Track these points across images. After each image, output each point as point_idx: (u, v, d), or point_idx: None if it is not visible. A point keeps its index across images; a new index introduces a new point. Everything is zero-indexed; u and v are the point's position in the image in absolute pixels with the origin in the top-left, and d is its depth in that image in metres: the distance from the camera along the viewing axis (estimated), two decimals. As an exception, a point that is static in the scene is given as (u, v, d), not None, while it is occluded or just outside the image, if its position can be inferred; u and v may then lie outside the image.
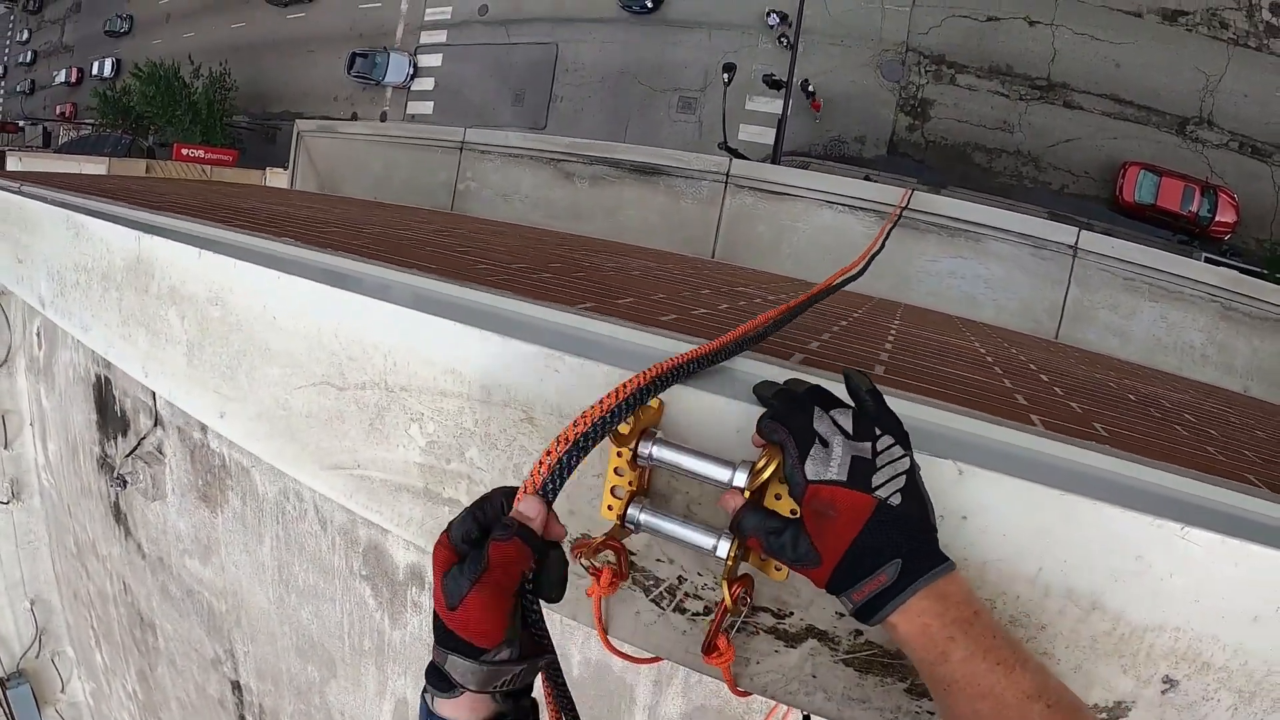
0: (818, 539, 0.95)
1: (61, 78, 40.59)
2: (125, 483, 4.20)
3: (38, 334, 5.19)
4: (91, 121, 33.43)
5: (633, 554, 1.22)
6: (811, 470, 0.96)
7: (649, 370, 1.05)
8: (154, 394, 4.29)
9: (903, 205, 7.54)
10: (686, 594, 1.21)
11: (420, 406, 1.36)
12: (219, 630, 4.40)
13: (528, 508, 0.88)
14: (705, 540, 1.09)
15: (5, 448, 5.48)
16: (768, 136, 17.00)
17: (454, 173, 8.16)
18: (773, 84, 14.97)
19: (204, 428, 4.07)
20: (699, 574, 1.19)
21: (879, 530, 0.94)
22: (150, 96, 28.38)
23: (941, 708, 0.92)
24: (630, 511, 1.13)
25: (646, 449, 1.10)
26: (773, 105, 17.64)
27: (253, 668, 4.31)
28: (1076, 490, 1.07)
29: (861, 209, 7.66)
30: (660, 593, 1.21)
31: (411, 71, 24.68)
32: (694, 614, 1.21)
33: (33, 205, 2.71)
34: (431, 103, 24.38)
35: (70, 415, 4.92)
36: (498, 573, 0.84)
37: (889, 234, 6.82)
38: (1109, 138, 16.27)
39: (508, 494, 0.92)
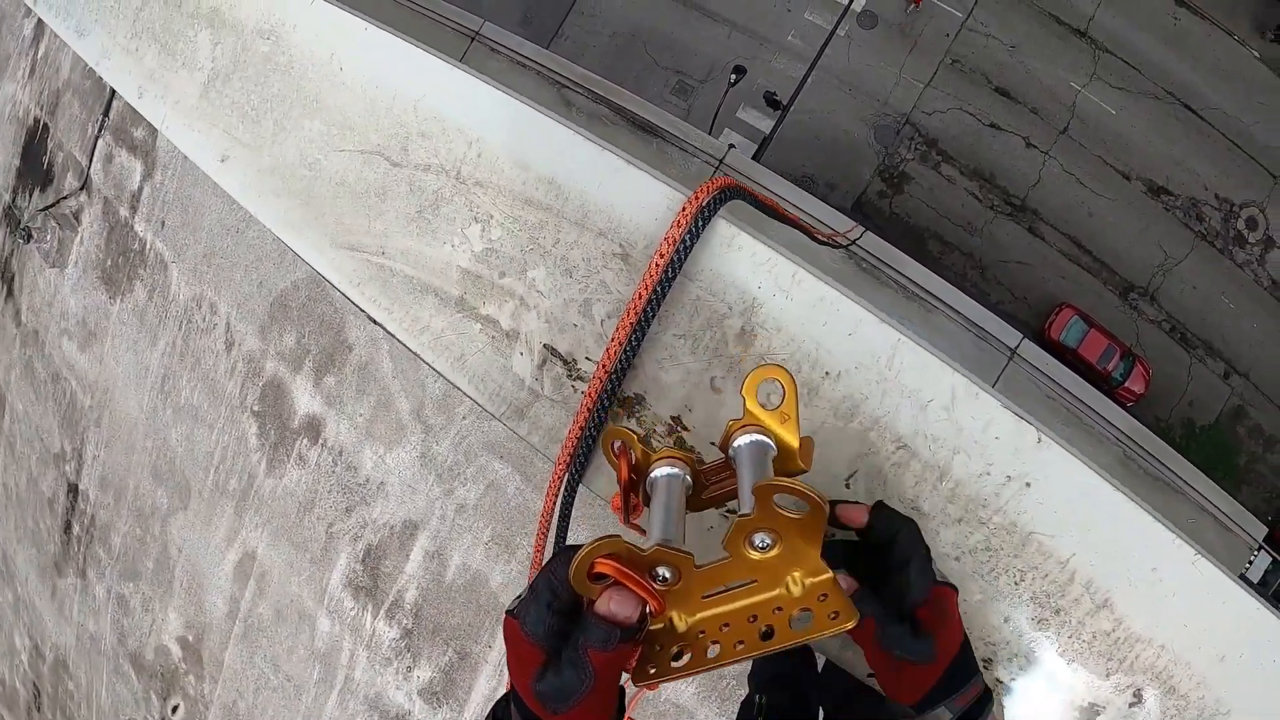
0: (937, 638, 0.92)
1: None
2: (30, 236, 3.81)
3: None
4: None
5: (686, 428, 1.11)
6: (937, 573, 0.94)
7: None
8: (91, 156, 3.92)
9: (847, 235, 7.62)
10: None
11: (492, 208, 1.20)
12: (74, 425, 4.05)
13: (620, 609, 0.78)
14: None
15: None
16: (748, 150, 17.04)
17: (456, 60, 7.77)
18: (771, 102, 14.99)
19: (134, 207, 3.74)
20: None
21: (968, 645, 0.95)
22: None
23: None
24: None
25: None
26: (763, 122, 17.73)
27: (98, 475, 3.99)
28: (1126, 492, 1.14)
29: (847, 245, 7.71)
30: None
31: (435, -46, 23.75)
32: (729, 511, 1.11)
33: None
34: (441, -6, 23.48)
35: (-10, 153, 4.46)
36: (605, 682, 0.79)
37: (833, 245, 6.96)
38: (1057, 275, 16.97)
39: (565, 565, 0.79)
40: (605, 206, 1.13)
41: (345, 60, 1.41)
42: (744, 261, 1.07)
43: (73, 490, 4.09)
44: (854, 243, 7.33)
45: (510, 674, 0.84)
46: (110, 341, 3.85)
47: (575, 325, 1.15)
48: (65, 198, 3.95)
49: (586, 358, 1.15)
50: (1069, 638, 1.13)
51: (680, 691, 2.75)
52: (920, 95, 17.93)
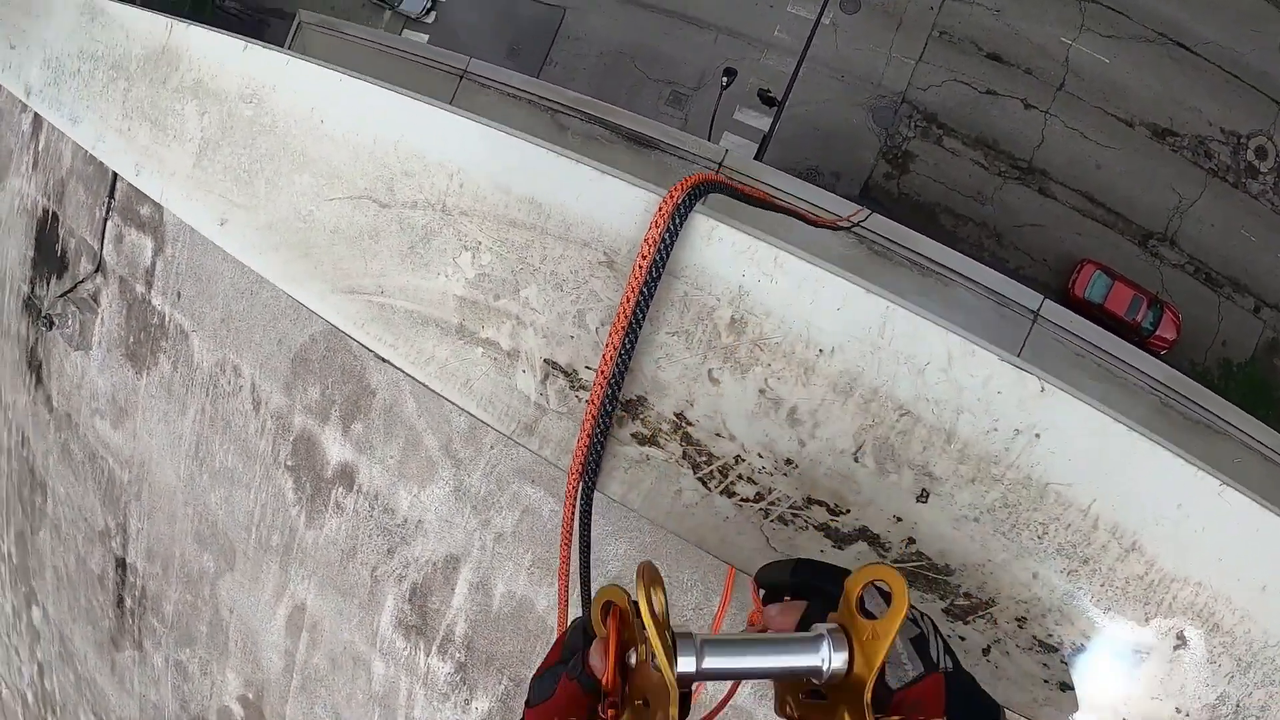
0: None
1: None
2: (52, 323, 3.90)
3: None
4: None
5: (690, 423, 1.13)
6: (893, 677, 0.85)
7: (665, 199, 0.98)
8: (102, 238, 4.02)
9: (851, 218, 7.60)
10: (740, 476, 1.12)
11: (480, 234, 1.24)
12: (115, 501, 4.13)
13: (595, 661, 0.83)
14: (810, 658, 0.80)
15: (-79, 278, 5.08)
16: (749, 150, 17.08)
17: (447, 100, 7.90)
18: (766, 100, 15.02)
19: (149, 282, 3.83)
20: (760, 455, 1.12)
21: (959, 704, 0.87)
22: (151, -42, 27.23)
23: None
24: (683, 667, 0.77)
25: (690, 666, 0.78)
26: (760, 121, 17.77)
27: (144, 547, 4.07)
28: (1139, 430, 1.10)
29: (849, 228, 7.70)
30: (711, 471, 1.12)
31: (429, 4, 24.07)
32: (743, 499, 1.12)
33: (43, -15, 2.49)
34: (427, 36, 23.87)
35: (5, 248, 4.59)
36: (561, 703, 0.85)
37: (835, 228, 6.93)
38: (1073, 232, 16.80)
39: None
40: (586, 217, 1.15)
41: (325, 113, 1.45)
42: (725, 252, 1.09)
43: (121, 565, 4.17)
44: (858, 225, 7.33)
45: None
46: (141, 416, 3.93)
47: (572, 337, 1.18)
48: (82, 282, 4.05)
49: (586, 367, 1.18)
50: (1101, 586, 1.12)
51: (737, 693, 2.74)
52: (913, 72, 17.90)
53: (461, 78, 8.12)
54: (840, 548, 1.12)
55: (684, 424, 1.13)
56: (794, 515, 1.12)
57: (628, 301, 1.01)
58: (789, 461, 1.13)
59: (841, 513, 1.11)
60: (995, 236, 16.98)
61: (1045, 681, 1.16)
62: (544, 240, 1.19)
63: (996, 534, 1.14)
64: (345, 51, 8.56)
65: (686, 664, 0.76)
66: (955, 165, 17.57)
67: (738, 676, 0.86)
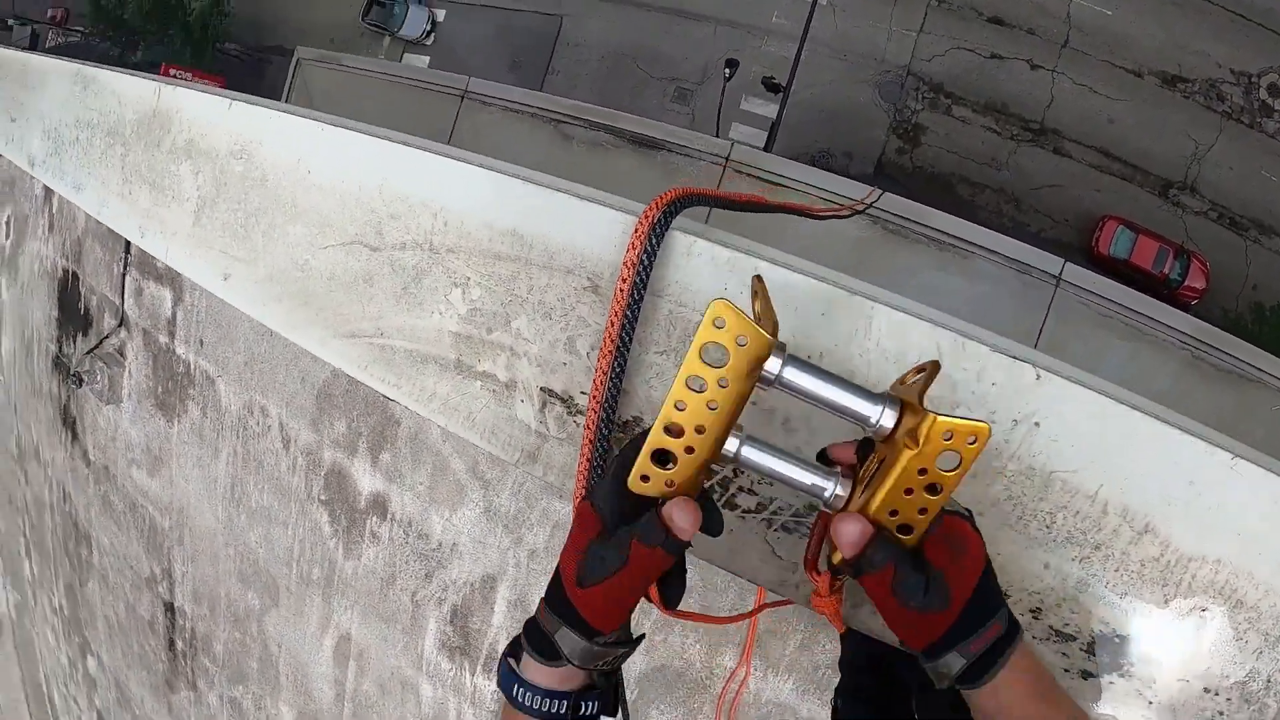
0: (949, 581, 0.83)
1: None
2: (82, 380, 4.00)
3: (7, 223, 4.95)
4: (81, 29, 32.26)
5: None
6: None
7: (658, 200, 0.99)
8: (122, 293, 4.11)
9: (865, 201, 7.56)
10: (740, 488, 1.14)
11: (467, 270, 1.26)
12: (158, 548, 4.22)
13: (681, 519, 0.82)
14: (819, 480, 0.87)
15: (-43, 341, 5.22)
16: (759, 140, 17.01)
17: (450, 121, 8.00)
18: (771, 87, 14.97)
19: (171, 332, 3.91)
20: None
21: (989, 576, 0.86)
22: (145, 11, 27.67)
23: None
24: (728, 447, 0.85)
25: (774, 366, 0.82)
26: (768, 109, 17.69)
27: (190, 590, 4.15)
28: (1142, 409, 1.08)
29: (862, 211, 7.68)
30: (710, 485, 1.14)
31: (429, 28, 24.15)
32: (745, 510, 1.14)
33: (37, 60, 2.56)
34: (428, 58, 24.01)
35: (30, 310, 4.71)
36: (636, 574, 0.83)
37: (854, 214, 6.90)
38: (1092, 189, 16.56)
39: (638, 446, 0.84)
40: (567, 244, 1.17)
41: (311, 162, 1.49)
42: (706, 267, 1.10)
43: (169, 609, 4.25)
44: (871, 206, 7.30)
45: (563, 552, 0.88)
46: (176, 462, 4.01)
47: (565, 364, 1.20)
48: (106, 337, 4.13)
49: (581, 392, 1.20)
50: (1115, 571, 1.10)
51: (779, 689, 2.76)
52: (915, 44, 17.74)
53: (463, 98, 8.19)
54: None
55: (682, 440, 1.15)
56: (796, 523, 1.13)
57: (612, 325, 1.03)
58: (787, 469, 1.13)
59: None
60: (1014, 201, 16.80)
61: (1066, 671, 1.15)
62: (529, 271, 1.21)
63: (1003, 527, 1.13)
64: (346, 83, 8.67)
65: (773, 364, 0.81)
66: (967, 133, 17.40)
67: (805, 395, 0.85)
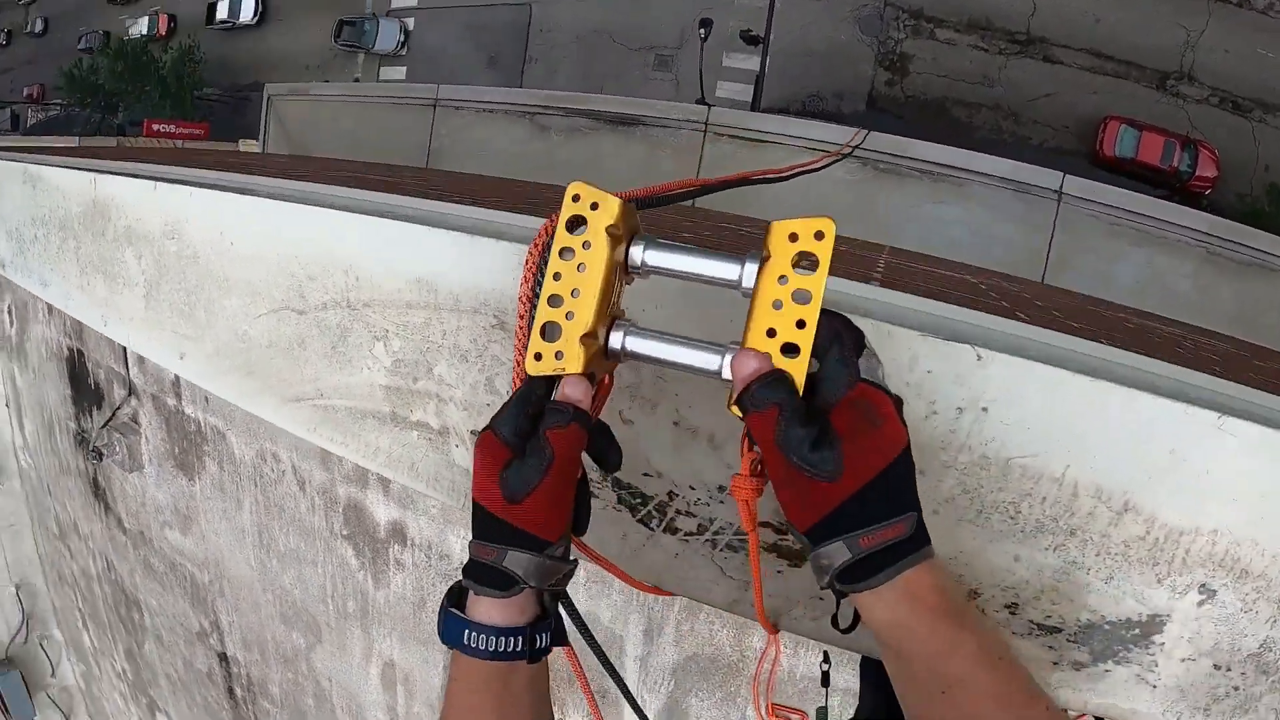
0: (847, 449, 0.73)
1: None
2: (101, 455, 4.09)
3: (9, 311, 5.06)
4: (59, 101, 32.60)
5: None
6: (865, 368, 0.78)
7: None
8: (126, 362, 4.19)
9: (852, 143, 7.45)
10: (678, 511, 1.12)
11: (385, 322, 1.27)
12: (203, 602, 4.32)
13: (574, 390, 0.83)
14: (710, 355, 0.84)
15: (-18, 431, 5.36)
16: (746, 94, 16.83)
17: (427, 131, 8.02)
18: (749, 39, 14.79)
19: (178, 393, 3.98)
20: (691, 487, 1.11)
21: (904, 470, 0.76)
22: (118, 72, 27.87)
23: (937, 709, 0.75)
24: (614, 339, 0.89)
25: (638, 251, 0.88)
26: (750, 61, 17.46)
27: (238, 638, 4.25)
28: (1106, 376, 0.97)
29: (848, 154, 7.58)
30: (649, 511, 1.13)
31: (402, 39, 24.11)
32: (687, 533, 1.12)
33: (-9, 164, 2.60)
34: (404, 68, 23.97)
35: (45, 393, 4.82)
36: (562, 461, 0.81)
37: (830, 163, 6.72)
38: (1088, 92, 16.20)
39: (545, 381, 0.86)
40: (470, 284, 1.17)
41: (233, 235, 1.50)
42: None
43: (223, 658, 4.35)
44: (856, 149, 7.21)
45: (475, 487, 0.85)
46: (204, 518, 4.09)
47: (488, 404, 1.20)
48: (119, 408, 4.21)
49: (509, 430, 1.20)
50: (1096, 555, 1.01)
51: (811, 664, 2.77)
52: (888, -28, 17.40)
53: (435, 106, 8.19)
54: (796, 565, 1.11)
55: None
56: (740, 542, 1.10)
57: (518, 364, 1.02)
58: (721, 489, 1.11)
59: (788, 530, 1.09)
60: (1011, 116, 16.48)
61: (1055, 664, 1.08)
62: (440, 316, 1.21)
63: (961, 523, 1.05)
64: (319, 111, 8.71)
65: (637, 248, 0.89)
66: (954, 55, 17.07)
67: (671, 272, 0.90)
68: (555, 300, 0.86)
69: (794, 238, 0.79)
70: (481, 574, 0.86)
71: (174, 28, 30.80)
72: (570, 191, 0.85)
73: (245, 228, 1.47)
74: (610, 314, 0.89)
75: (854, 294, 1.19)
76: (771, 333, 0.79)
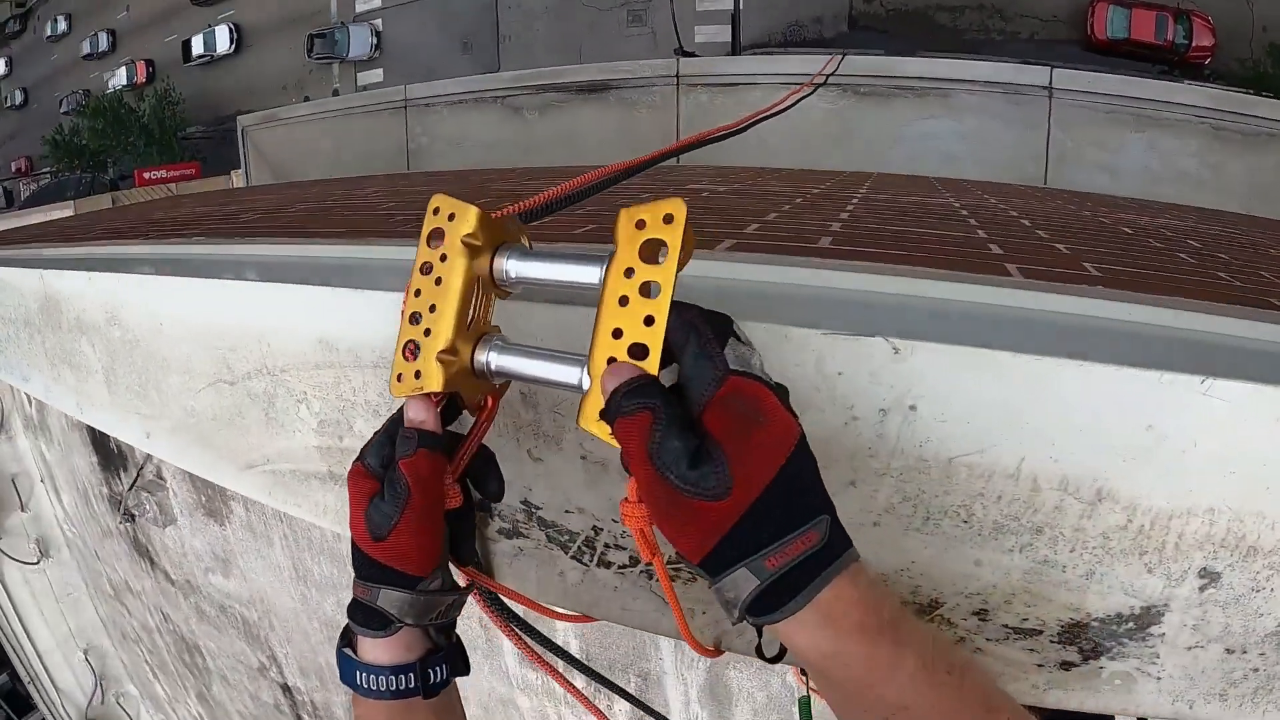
0: (732, 457, 0.62)
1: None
2: (133, 517, 4.21)
3: (27, 393, 5.21)
4: (48, 170, 32.92)
5: (538, 507, 1.13)
6: (734, 358, 0.66)
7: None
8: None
9: (824, 72, 7.25)
10: (607, 545, 1.10)
11: (302, 385, 1.28)
12: (256, 638, 4.44)
13: (416, 413, 0.81)
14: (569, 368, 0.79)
15: (23, 510, 5.53)
16: (725, 35, 16.50)
17: (403, 133, 8.00)
18: (720, -24, 14.50)
19: (192, 445, 4.06)
20: (614, 520, 1.07)
21: (803, 469, 0.64)
22: (99, 130, 28.03)
23: None
24: (479, 356, 0.85)
25: (502, 261, 0.84)
26: (724, 1, 17.12)
27: (295, 667, 4.36)
28: (1057, 351, 0.83)
29: (820, 85, 7.41)
30: (579, 547, 1.12)
31: (375, 41, 24.00)
32: (620, 566, 1.10)
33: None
34: (380, 70, 23.85)
35: (73, 463, 4.94)
36: (421, 495, 0.78)
37: (797, 100, 6.48)
38: (1073, -25, 15.72)
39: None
40: (366, 339, 1.17)
41: (161, 316, 1.52)
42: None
43: (286, 689, 4.47)
44: (831, 76, 7.05)
45: (350, 522, 0.83)
46: (241, 559, 4.18)
47: (410, 455, 1.20)
48: (142, 467, 4.30)
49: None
50: (1071, 551, 0.89)
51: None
52: (846, -115, 16.90)
53: (405, 107, 8.16)
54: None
55: (534, 509, 1.12)
56: (675, 571, 1.03)
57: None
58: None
59: (682, 563, 1.03)
60: (997, 13, 16.02)
61: (1040, 666, 0.98)
62: (346, 374, 1.21)
63: (909, 532, 0.93)
64: (293, 134, 8.72)
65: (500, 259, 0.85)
66: (930, -42, 16.60)
67: (537, 281, 0.86)
68: (415, 318, 0.83)
69: (641, 225, 0.72)
70: (359, 614, 0.84)
71: (153, 72, 30.88)
72: (431, 204, 0.83)
73: (171, 307, 1.49)
74: (478, 330, 0.86)
75: (744, 278, 1.11)
76: (618, 333, 0.72)
